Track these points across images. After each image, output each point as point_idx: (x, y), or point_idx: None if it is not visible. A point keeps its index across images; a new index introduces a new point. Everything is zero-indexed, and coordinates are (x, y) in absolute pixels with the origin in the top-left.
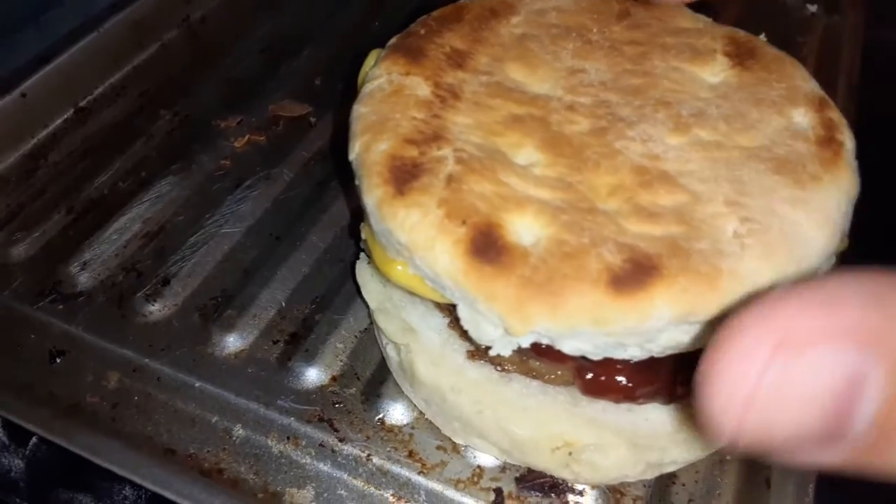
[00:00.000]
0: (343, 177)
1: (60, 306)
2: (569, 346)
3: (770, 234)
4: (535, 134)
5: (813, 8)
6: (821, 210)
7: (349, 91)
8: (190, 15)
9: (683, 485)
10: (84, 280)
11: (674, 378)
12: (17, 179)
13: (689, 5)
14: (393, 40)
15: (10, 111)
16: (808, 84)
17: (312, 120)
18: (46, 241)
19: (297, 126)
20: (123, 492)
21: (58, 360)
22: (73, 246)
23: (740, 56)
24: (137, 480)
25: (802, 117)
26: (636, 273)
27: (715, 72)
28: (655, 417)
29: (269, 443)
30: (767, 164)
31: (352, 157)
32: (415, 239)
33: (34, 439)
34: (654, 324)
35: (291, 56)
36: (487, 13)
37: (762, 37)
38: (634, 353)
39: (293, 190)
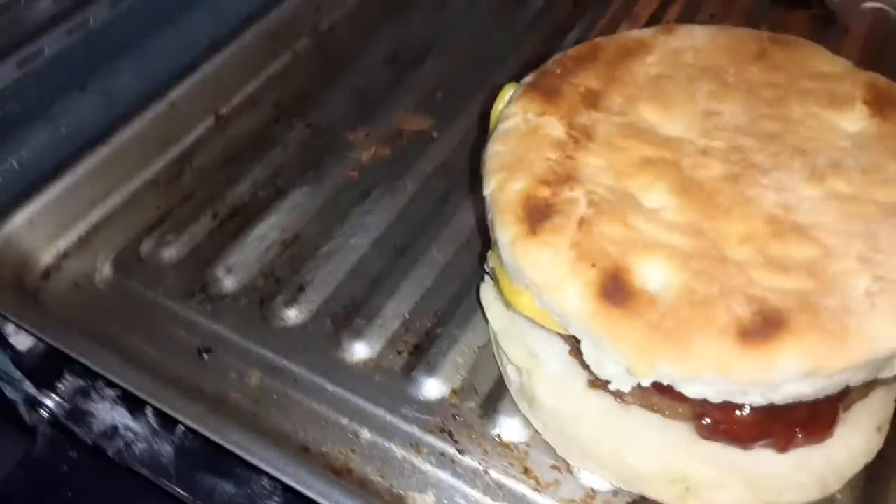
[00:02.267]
0: (461, 193)
1: (208, 306)
2: (690, 390)
3: None
4: (666, 177)
5: None
6: None
7: (470, 105)
8: (319, 24)
9: None
10: (229, 283)
11: (792, 426)
12: (166, 183)
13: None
14: (529, 78)
15: (160, 118)
16: None
17: (434, 134)
18: (194, 244)
19: (420, 139)
20: (261, 482)
21: (205, 357)
22: (219, 250)
23: (880, 104)
24: (278, 476)
25: None
26: (765, 326)
27: (854, 120)
28: (773, 459)
29: (394, 448)
30: None
31: (486, 192)
32: (545, 278)
33: (180, 427)
34: (779, 376)
35: (414, 67)
36: (623, 52)
37: None
38: (756, 399)
39: (416, 203)
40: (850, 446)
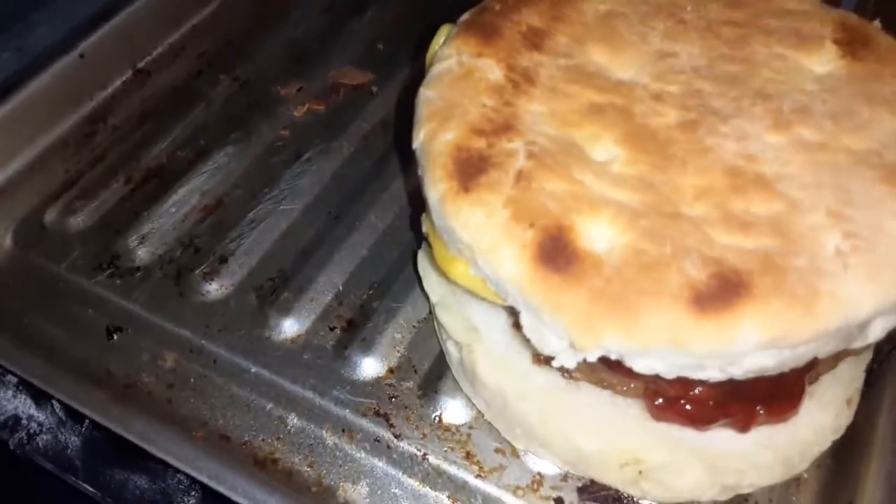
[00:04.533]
0: (403, 155)
1: (118, 281)
2: (640, 365)
3: (876, 253)
4: (615, 126)
5: None
6: None
7: (414, 59)
8: None
9: (757, 503)
10: (142, 254)
11: (754, 403)
12: (76, 144)
13: None
14: (466, 16)
15: (69, 72)
16: None
17: (374, 89)
18: (105, 212)
19: (359, 95)
20: (178, 476)
21: (115, 337)
22: (132, 217)
23: (852, 44)
24: (187, 470)
25: None
26: (723, 291)
27: (822, 61)
28: (734, 439)
29: (324, 434)
30: (877, 171)
31: (415, 145)
32: (478, 240)
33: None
34: (739, 348)
35: (355, 18)
36: None
37: (876, 23)
38: (713, 374)
39: (352, 164)
40: (817, 423)
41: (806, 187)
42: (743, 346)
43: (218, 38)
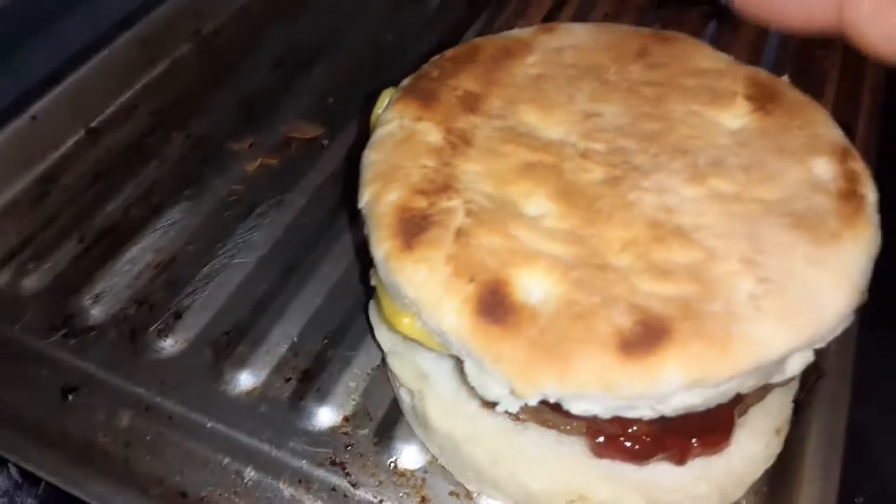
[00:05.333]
0: (351, 209)
1: (72, 341)
2: (577, 408)
3: (786, 296)
4: (547, 183)
5: None
6: (840, 270)
7: (362, 111)
8: (201, 29)
9: None
10: (96, 314)
11: (688, 437)
12: (29, 204)
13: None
14: (405, 82)
15: (21, 134)
16: (831, 132)
17: (325, 142)
18: (58, 272)
19: (310, 148)
20: None
21: (70, 398)
22: (85, 277)
23: (762, 100)
24: None
25: (824, 168)
26: (647, 336)
27: (735, 116)
28: (672, 472)
29: (281, 486)
30: (786, 219)
31: (361, 205)
32: (422, 296)
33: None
34: (664, 389)
35: (304, 72)
36: (502, 53)
37: (785, 78)
38: (645, 412)
39: (305, 216)
40: (748, 452)
41: (721, 236)
42: (667, 386)
43: (169, 96)
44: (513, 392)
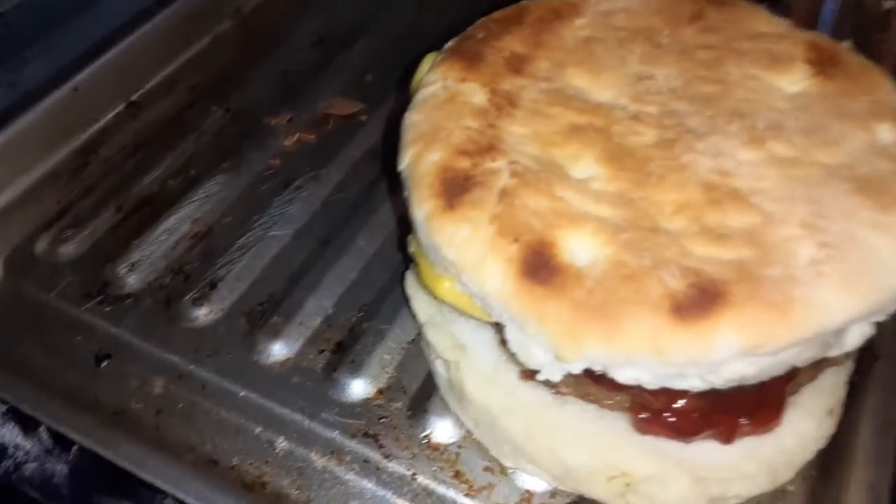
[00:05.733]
0: (391, 180)
1: (107, 308)
2: (623, 375)
3: (849, 261)
4: (595, 145)
5: (890, 3)
6: None
7: (401, 89)
8: (241, 7)
9: None
10: (132, 282)
11: (737, 414)
12: (69, 175)
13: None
14: (450, 43)
15: (62, 105)
16: (895, 97)
17: (363, 118)
18: (95, 240)
19: (348, 124)
20: (166, 500)
21: (103, 364)
22: (122, 246)
23: (822, 64)
24: (180, 496)
25: (888, 133)
26: (701, 300)
27: (794, 80)
28: (719, 450)
29: (313, 457)
30: (849, 184)
31: (402, 167)
32: (463, 256)
33: (77, 445)
34: (718, 355)
35: (344, 50)
36: (551, 15)
37: (846, 43)
38: (695, 383)
39: (342, 191)
40: (800, 433)
41: (780, 200)
42: (722, 352)
43: (209, 72)
44: (557, 356)
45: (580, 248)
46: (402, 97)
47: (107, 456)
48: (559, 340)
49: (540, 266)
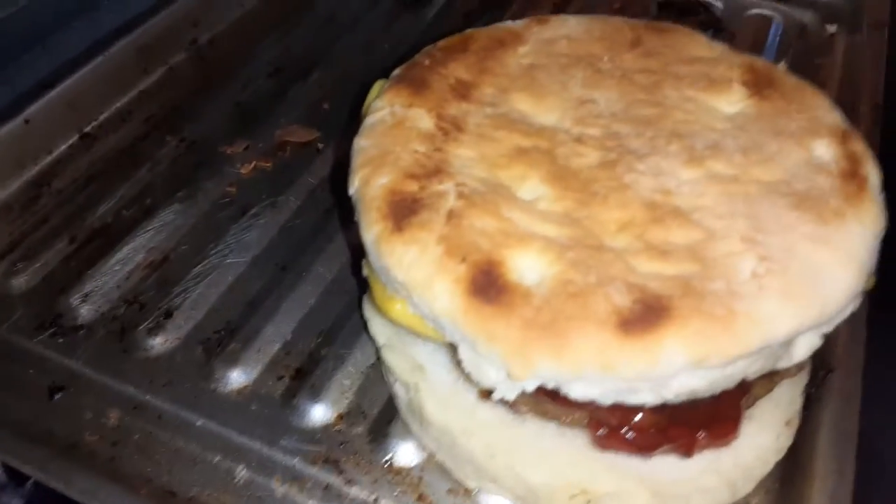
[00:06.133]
0: (343, 208)
1: (60, 340)
2: (576, 391)
3: (790, 274)
4: (540, 167)
5: (833, 28)
6: (844, 248)
7: (356, 117)
8: (198, 38)
9: None
10: (85, 313)
11: (694, 429)
12: (20, 207)
13: (704, 30)
14: (397, 71)
15: (14, 137)
16: (830, 115)
17: (320, 146)
18: (48, 272)
19: (305, 152)
20: None
21: (57, 396)
22: (75, 277)
23: (758, 85)
24: None
25: (824, 150)
26: (646, 315)
27: (731, 101)
28: (678, 465)
29: (273, 485)
30: (787, 199)
31: (351, 191)
32: (412, 277)
33: (32, 478)
34: (665, 369)
35: (299, 80)
36: (494, 43)
37: (782, 65)
38: (647, 398)
39: (299, 218)
40: (758, 445)
41: (721, 217)
42: (668, 366)
43: (164, 103)
44: (508, 374)
45: (527, 266)
46: (356, 127)
47: (61, 489)
48: (509, 358)
49: (488, 285)
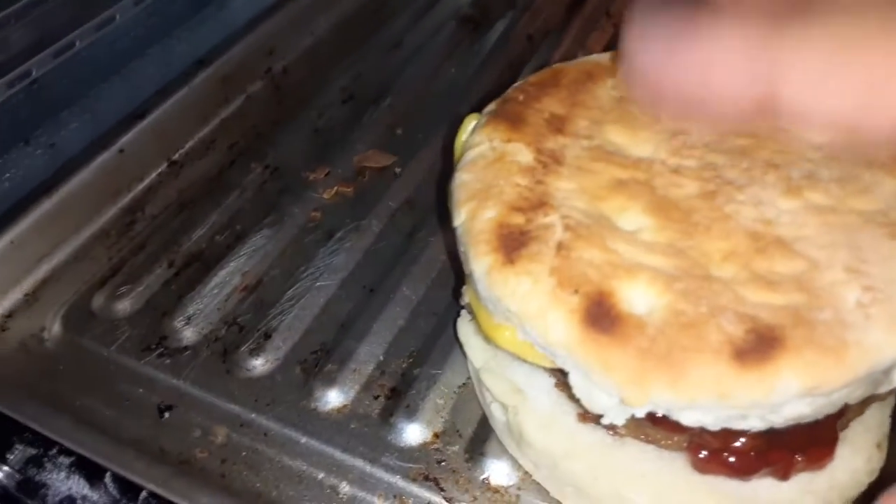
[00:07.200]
0: (428, 229)
1: (167, 361)
2: (687, 418)
3: (893, 303)
4: (640, 198)
5: None
6: None
7: (430, 142)
8: (272, 67)
9: None
10: (189, 335)
11: (792, 452)
12: (118, 233)
13: None
14: (491, 106)
15: (109, 166)
16: None
17: (397, 170)
18: (150, 296)
19: (382, 176)
20: None
21: (166, 415)
22: (176, 300)
23: None
24: None
25: None
26: (760, 345)
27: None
28: (776, 487)
29: (377, 500)
30: (885, 229)
31: (457, 223)
32: (526, 308)
33: (144, 493)
34: (778, 397)
35: (371, 105)
36: (584, 76)
37: None
38: (755, 423)
39: (382, 241)
40: (851, 467)
41: (822, 247)
42: (782, 395)
43: (247, 130)
44: (623, 401)
45: (638, 297)
46: (433, 149)
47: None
48: (626, 387)
49: (601, 315)
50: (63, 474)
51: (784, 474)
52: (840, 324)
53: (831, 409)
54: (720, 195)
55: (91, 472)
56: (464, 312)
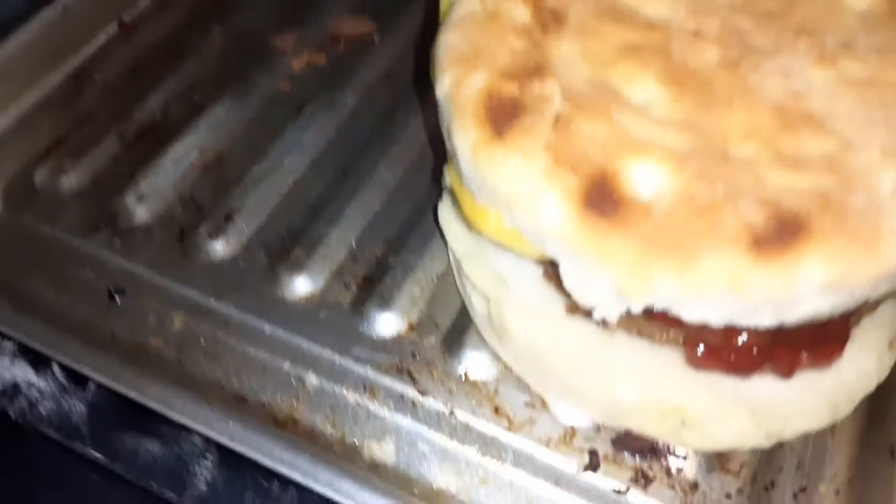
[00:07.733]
0: (409, 105)
1: (118, 241)
2: (690, 313)
3: None
4: (653, 65)
5: None
6: None
7: (414, 6)
8: None
9: (792, 448)
10: (141, 214)
11: (798, 349)
12: (63, 101)
13: None
14: None
15: (52, 26)
16: None
17: (375, 39)
18: (98, 170)
19: (359, 45)
20: (192, 439)
21: (117, 299)
22: (127, 176)
23: None
24: (210, 434)
25: None
26: (782, 233)
27: None
28: (778, 385)
29: (345, 393)
30: None
31: (440, 92)
32: (515, 189)
33: (94, 381)
34: (798, 290)
35: None
36: None
37: None
38: (764, 320)
39: (357, 118)
40: (860, 366)
41: (857, 124)
42: (803, 287)
43: None
44: (622, 292)
45: (645, 178)
46: (417, 15)
47: (132, 396)
48: (626, 278)
49: (602, 198)
50: (6, 360)
51: (787, 372)
52: (874, 210)
53: (851, 306)
54: (744, 64)
55: (36, 358)
56: (445, 195)
